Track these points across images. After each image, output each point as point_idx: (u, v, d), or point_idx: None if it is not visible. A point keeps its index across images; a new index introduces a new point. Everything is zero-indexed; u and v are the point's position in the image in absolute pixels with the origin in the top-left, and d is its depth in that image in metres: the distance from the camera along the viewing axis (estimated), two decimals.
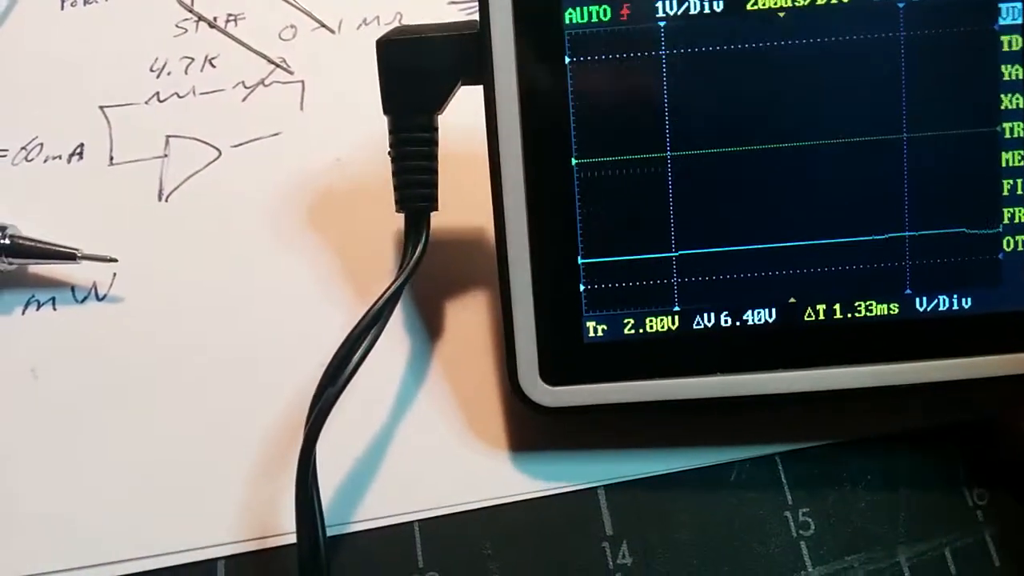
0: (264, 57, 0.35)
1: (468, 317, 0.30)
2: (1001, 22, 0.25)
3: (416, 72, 0.27)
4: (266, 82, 0.34)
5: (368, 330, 0.26)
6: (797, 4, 0.25)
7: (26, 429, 0.29)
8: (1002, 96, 0.25)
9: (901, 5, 0.25)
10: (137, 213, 0.32)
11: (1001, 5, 0.25)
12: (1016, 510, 0.28)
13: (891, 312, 0.26)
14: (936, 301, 0.26)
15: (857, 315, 0.26)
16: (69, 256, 0.30)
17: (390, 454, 0.28)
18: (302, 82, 0.34)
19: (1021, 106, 0.25)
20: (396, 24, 0.35)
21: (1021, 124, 0.25)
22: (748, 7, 0.25)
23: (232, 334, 0.30)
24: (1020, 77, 0.25)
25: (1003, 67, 0.25)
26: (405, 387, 0.29)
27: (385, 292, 0.26)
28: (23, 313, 0.31)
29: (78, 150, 0.33)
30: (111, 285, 0.31)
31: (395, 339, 0.30)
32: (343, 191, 0.32)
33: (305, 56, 0.35)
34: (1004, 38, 0.25)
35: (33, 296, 0.31)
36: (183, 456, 0.28)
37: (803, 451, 0.28)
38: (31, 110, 0.34)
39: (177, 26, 0.35)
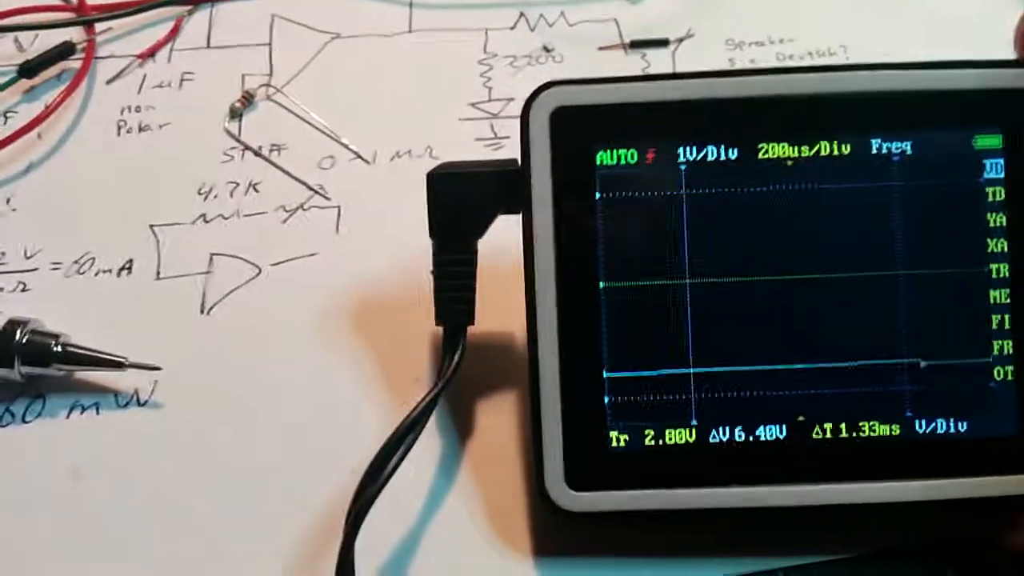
0: (304, 184, 0.37)
1: (498, 424, 0.32)
2: (985, 176, 0.28)
3: (460, 202, 0.30)
4: (305, 207, 0.37)
5: (406, 436, 0.28)
6: (802, 155, 0.28)
7: (67, 529, 0.30)
8: (988, 240, 0.28)
9: (895, 159, 0.28)
10: (180, 325, 0.34)
11: (985, 161, 0.28)
12: None
13: (892, 433, 0.28)
14: (935, 424, 0.28)
15: (861, 434, 0.28)
16: (116, 364, 0.32)
17: (421, 553, 0.30)
18: (338, 207, 0.37)
19: (1005, 249, 0.28)
20: (426, 157, 0.38)
21: (1006, 265, 0.28)
22: (759, 156, 0.28)
23: (269, 439, 0.32)
24: (1003, 224, 0.28)
25: (988, 215, 0.28)
26: (436, 489, 0.31)
27: (423, 400, 0.29)
28: (67, 417, 0.32)
29: (127, 265, 0.36)
30: (152, 392, 0.33)
31: (429, 442, 0.31)
32: (375, 307, 0.34)
33: (342, 184, 0.37)
34: (988, 190, 0.28)
35: (78, 401, 0.33)
36: (221, 556, 0.30)
37: (807, 566, 0.30)
38: (85, 227, 0.36)
39: (225, 153, 0.38)
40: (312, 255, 0.36)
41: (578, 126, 0.28)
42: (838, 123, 0.28)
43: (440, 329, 0.30)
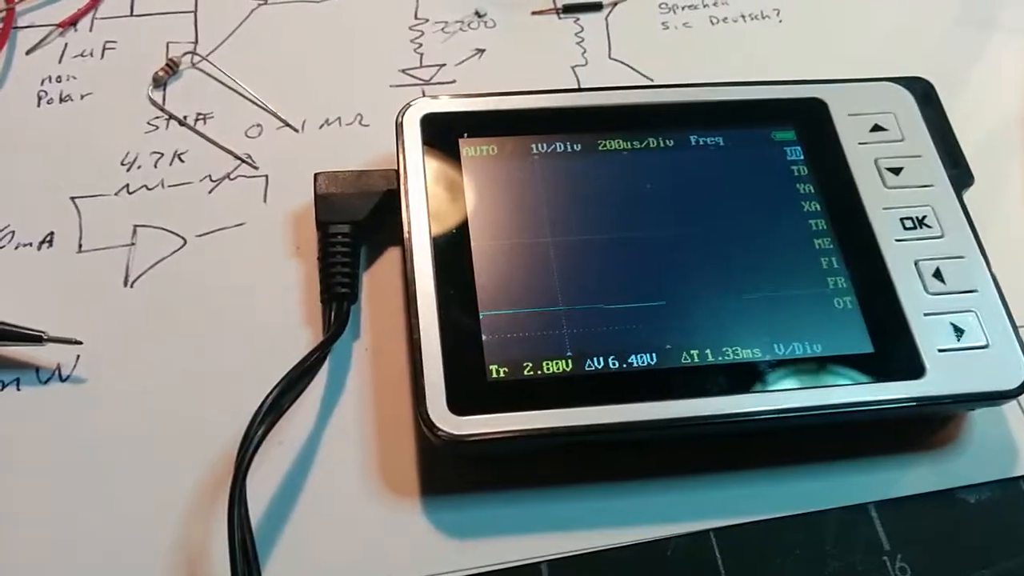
0: (231, 153, 0.37)
1: (391, 366, 0.33)
2: (789, 158, 0.35)
3: (343, 195, 0.34)
4: (232, 176, 0.37)
5: (293, 384, 0.30)
6: (635, 147, 0.35)
7: None
8: (802, 203, 0.34)
9: (712, 147, 0.35)
10: (103, 298, 0.34)
11: (785, 148, 0.35)
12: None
13: (755, 356, 0.31)
14: (792, 347, 0.31)
15: (726, 358, 0.31)
16: (35, 338, 0.32)
17: (310, 493, 0.30)
18: (266, 176, 0.37)
19: (818, 208, 0.34)
20: (356, 124, 0.38)
21: (823, 220, 0.34)
22: (600, 149, 0.35)
23: (188, 412, 0.32)
24: (812, 190, 0.34)
25: (796, 185, 0.35)
26: (327, 432, 0.32)
27: (307, 357, 0.31)
28: None
29: (48, 238, 0.35)
30: (74, 367, 0.33)
31: (320, 386, 0.32)
32: (302, 276, 0.34)
33: (270, 152, 0.38)
34: (792, 168, 0.35)
35: None
36: (119, 502, 0.30)
37: (736, 527, 0.30)
38: (4, 200, 0.37)
39: (149, 123, 0.38)
40: (239, 225, 0.35)
41: (444, 127, 0.34)
42: (661, 124, 0.36)
43: None
